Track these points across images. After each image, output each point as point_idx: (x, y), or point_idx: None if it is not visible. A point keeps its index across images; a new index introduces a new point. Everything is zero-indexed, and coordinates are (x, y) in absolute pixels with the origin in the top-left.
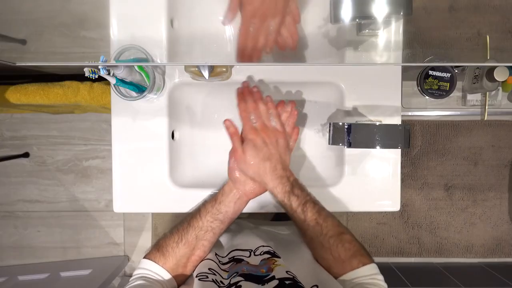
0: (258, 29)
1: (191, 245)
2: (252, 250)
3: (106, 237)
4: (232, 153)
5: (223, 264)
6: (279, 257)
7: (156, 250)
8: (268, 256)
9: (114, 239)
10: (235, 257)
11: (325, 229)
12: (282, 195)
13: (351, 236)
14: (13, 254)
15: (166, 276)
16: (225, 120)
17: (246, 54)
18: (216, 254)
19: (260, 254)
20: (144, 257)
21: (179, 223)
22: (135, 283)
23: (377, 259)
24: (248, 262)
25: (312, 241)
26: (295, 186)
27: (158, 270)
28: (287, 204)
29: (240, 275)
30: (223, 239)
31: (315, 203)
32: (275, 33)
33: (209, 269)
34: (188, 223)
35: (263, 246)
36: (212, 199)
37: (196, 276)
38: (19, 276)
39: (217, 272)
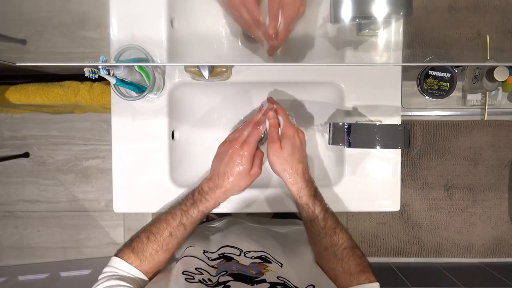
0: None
1: (171, 251)
2: (242, 250)
3: (106, 237)
4: (268, 143)
5: (212, 260)
6: (270, 263)
7: (131, 251)
8: (260, 261)
9: (114, 239)
10: (225, 254)
11: (341, 240)
12: (307, 197)
13: (361, 251)
14: (13, 254)
15: (141, 276)
16: (268, 99)
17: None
18: (204, 251)
19: (251, 258)
20: (117, 256)
21: (156, 229)
22: (114, 283)
23: (377, 259)
24: (238, 261)
25: (326, 250)
26: (317, 192)
27: (133, 272)
28: (311, 208)
29: (229, 275)
30: (214, 237)
31: (333, 212)
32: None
33: (196, 268)
34: (170, 234)
35: (255, 251)
36: (193, 207)
37: (183, 273)
38: (19, 276)
39: (205, 271)
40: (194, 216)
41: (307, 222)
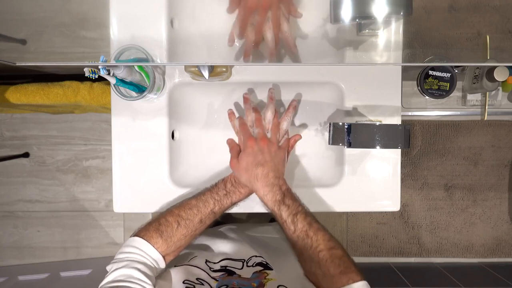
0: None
1: (195, 237)
2: (244, 260)
3: (106, 237)
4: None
5: (214, 271)
6: (271, 269)
7: (159, 235)
8: (261, 268)
9: (114, 239)
10: (227, 267)
11: (315, 242)
12: (272, 203)
13: (342, 251)
14: (13, 254)
15: (162, 264)
16: (227, 139)
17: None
18: (206, 261)
19: (252, 266)
20: (143, 238)
21: (186, 215)
22: (138, 275)
23: (377, 259)
24: (239, 275)
25: (301, 254)
26: (287, 196)
27: (157, 258)
28: (277, 213)
29: None
30: (216, 246)
31: (306, 214)
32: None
33: (197, 279)
34: (200, 220)
35: (256, 256)
36: (226, 197)
37: (183, 282)
38: (19, 276)
39: (206, 281)
40: (226, 206)
41: (280, 226)
